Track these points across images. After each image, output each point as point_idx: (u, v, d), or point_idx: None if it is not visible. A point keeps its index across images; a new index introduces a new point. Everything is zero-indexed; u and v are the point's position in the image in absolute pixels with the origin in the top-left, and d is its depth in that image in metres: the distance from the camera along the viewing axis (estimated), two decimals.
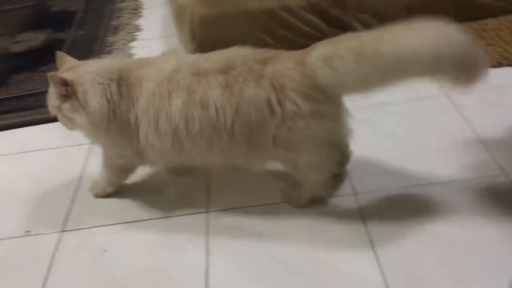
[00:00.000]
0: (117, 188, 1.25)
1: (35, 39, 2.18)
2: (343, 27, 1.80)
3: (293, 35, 1.78)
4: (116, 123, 1.06)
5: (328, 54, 0.95)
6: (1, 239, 1.17)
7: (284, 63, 0.99)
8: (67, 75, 1.07)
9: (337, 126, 1.04)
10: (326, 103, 0.98)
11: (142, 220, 1.18)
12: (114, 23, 2.23)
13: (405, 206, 1.12)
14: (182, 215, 1.17)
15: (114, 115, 1.06)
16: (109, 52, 1.97)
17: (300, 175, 1.10)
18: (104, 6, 2.42)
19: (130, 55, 1.92)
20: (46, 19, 2.38)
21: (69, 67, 1.12)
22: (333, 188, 1.18)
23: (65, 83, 1.05)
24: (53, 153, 1.44)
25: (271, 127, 0.98)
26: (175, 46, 1.92)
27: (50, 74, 1.06)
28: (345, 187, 1.19)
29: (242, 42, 1.78)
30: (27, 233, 1.18)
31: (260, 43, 1.75)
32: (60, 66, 1.14)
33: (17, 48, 2.12)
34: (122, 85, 1.06)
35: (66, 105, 1.07)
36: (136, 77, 1.06)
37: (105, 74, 1.07)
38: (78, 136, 1.19)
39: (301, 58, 0.99)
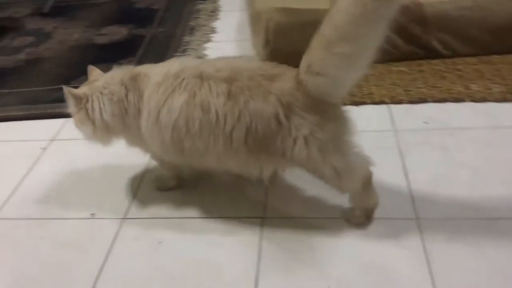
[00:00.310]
0: (176, 182, 1.29)
1: (118, 33, 2.30)
2: (422, 46, 1.75)
3: None
4: (130, 119, 1.14)
5: (308, 64, 0.98)
6: (69, 218, 1.24)
7: (288, 83, 1.02)
8: (81, 90, 1.18)
9: (344, 129, 1.06)
10: (328, 112, 1.02)
11: (200, 218, 1.20)
12: (192, 23, 2.31)
13: (472, 239, 1.06)
14: (239, 217, 1.18)
15: (126, 113, 1.13)
16: (184, 51, 2.03)
17: (332, 184, 1.09)
18: (184, 7, 2.51)
19: (203, 56, 1.98)
20: (130, 14, 2.50)
21: (91, 81, 1.21)
22: (394, 210, 1.14)
23: (75, 98, 1.16)
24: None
25: (278, 139, 1.02)
26: (248, 50, 1.95)
27: (65, 88, 1.16)
28: (407, 211, 1.15)
29: None
30: (92, 216, 1.24)
31: None
32: (89, 78, 1.24)
33: (100, 40, 2.25)
34: (130, 84, 1.13)
35: (76, 117, 1.18)
36: (144, 74, 1.14)
37: (112, 82, 1.15)
38: None
39: (298, 77, 1.01)
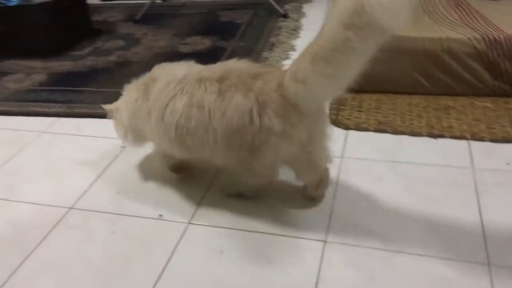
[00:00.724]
0: (249, 189, 1.31)
1: (201, 43, 2.40)
2: (511, 83, 1.66)
3: (452, 81, 1.69)
4: (142, 120, 1.29)
5: (293, 71, 1.06)
6: (139, 216, 1.30)
7: (270, 83, 1.11)
8: (113, 105, 1.40)
9: (302, 152, 1.15)
10: (297, 125, 1.10)
11: (263, 233, 1.21)
12: (272, 39, 2.35)
13: None
14: (300, 238, 1.18)
15: (138, 115, 1.29)
16: None
17: (245, 175, 1.25)
18: (266, 23, 2.57)
19: None
20: (214, 27, 2.61)
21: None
22: (464, 252, 1.09)
23: (108, 111, 1.40)
24: None
25: (249, 134, 1.11)
26: None
27: (102, 106, 1.43)
28: (479, 255, 1.09)
29: (396, 79, 1.76)
30: (160, 217, 1.29)
31: (415, 84, 1.72)
32: None
33: (184, 49, 2.36)
34: (143, 89, 1.28)
35: (113, 123, 1.41)
36: (154, 79, 1.27)
37: (132, 89, 1.33)
38: None
39: (281, 79, 1.09)
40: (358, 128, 1.60)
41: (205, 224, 1.26)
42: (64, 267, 1.16)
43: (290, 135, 1.10)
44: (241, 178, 1.28)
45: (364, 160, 1.45)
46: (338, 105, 1.72)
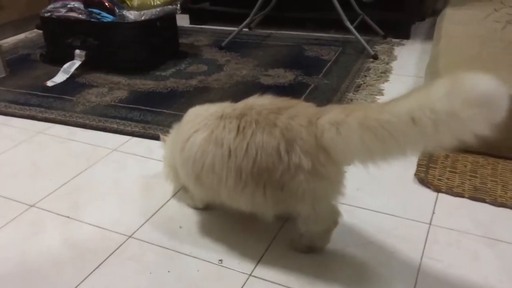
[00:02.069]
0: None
1: (284, 76, 2.32)
2: None
3: None
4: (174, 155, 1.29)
5: (338, 120, 1.00)
6: (197, 257, 1.21)
7: (298, 119, 1.05)
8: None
9: (334, 189, 1.10)
10: (327, 165, 1.03)
11: None
12: (359, 81, 2.22)
13: None
14: None
15: (177, 147, 1.24)
16: None
17: (301, 223, 1.15)
18: (354, 62, 2.45)
19: None
20: (298, 61, 2.52)
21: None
22: None
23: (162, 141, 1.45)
24: None
25: (278, 172, 1.04)
26: None
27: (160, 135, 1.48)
28: None
29: (499, 141, 1.54)
30: (220, 263, 1.19)
31: None
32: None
33: (265, 80, 2.29)
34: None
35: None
36: (189, 115, 1.26)
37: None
38: None
39: (314, 117, 1.04)
40: (451, 192, 1.41)
41: (267, 279, 1.13)
42: None
43: (320, 172, 1.03)
44: (302, 229, 1.17)
45: (456, 231, 1.26)
46: (428, 162, 1.54)
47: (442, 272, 1.13)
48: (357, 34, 2.51)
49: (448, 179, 1.46)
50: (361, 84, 2.19)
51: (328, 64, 2.44)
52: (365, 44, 2.51)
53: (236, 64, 2.51)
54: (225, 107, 1.17)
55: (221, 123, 1.12)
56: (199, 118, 1.18)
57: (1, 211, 1.41)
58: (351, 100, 2.03)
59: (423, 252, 1.19)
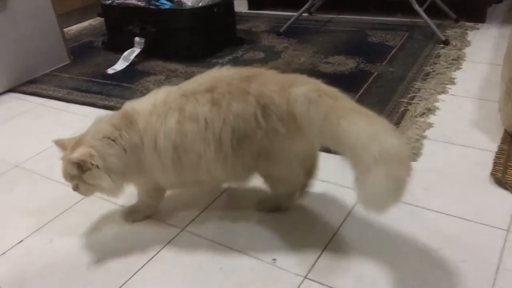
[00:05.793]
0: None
1: (345, 64, 2.20)
2: None
3: None
4: (130, 154, 1.14)
5: (311, 97, 1.05)
6: (251, 256, 1.16)
7: (268, 85, 1.09)
8: (78, 153, 1.10)
9: (307, 147, 1.17)
10: (297, 130, 1.08)
11: None
12: (427, 68, 2.06)
13: None
14: None
15: (125, 150, 1.13)
16: (411, 98, 1.81)
17: (271, 186, 1.23)
18: (422, 49, 2.27)
19: (432, 110, 1.72)
20: (361, 47, 2.38)
21: (73, 144, 1.14)
22: None
23: (79, 162, 1.10)
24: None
25: (257, 137, 1.09)
26: (490, 113, 1.62)
27: (65, 160, 1.13)
28: None
29: None
30: (273, 262, 1.13)
31: None
32: (65, 149, 1.16)
33: (325, 68, 2.18)
34: (122, 123, 1.14)
35: (87, 176, 1.12)
36: (131, 109, 1.17)
37: (102, 129, 1.14)
38: None
39: (286, 84, 1.09)
40: None
41: (322, 283, 1.06)
42: None
43: (294, 135, 1.09)
44: (272, 191, 1.24)
45: None
46: (506, 160, 1.38)
47: None
48: (426, 17, 2.32)
49: None
50: (430, 72, 2.02)
51: (393, 51, 2.29)
52: (435, 29, 2.32)
53: (294, 51, 2.42)
54: (180, 86, 1.16)
55: (190, 99, 1.11)
56: (157, 108, 1.12)
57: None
58: (419, 89, 1.88)
59: (498, 264, 1.06)
